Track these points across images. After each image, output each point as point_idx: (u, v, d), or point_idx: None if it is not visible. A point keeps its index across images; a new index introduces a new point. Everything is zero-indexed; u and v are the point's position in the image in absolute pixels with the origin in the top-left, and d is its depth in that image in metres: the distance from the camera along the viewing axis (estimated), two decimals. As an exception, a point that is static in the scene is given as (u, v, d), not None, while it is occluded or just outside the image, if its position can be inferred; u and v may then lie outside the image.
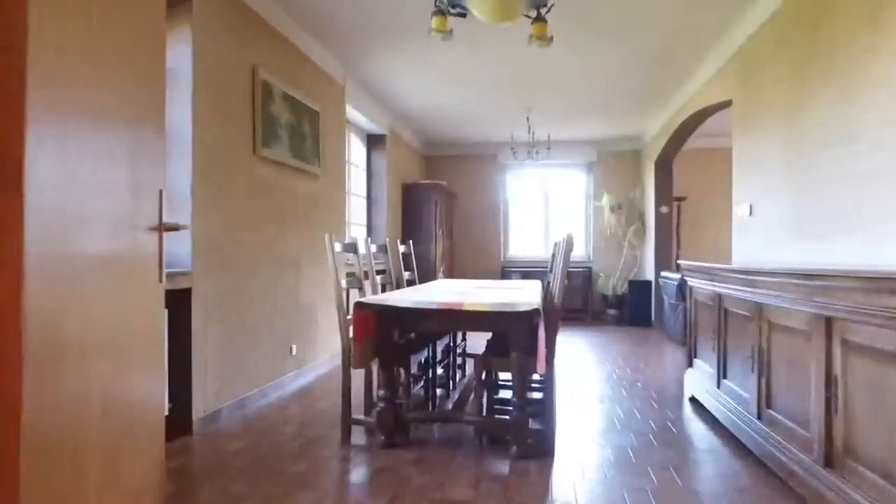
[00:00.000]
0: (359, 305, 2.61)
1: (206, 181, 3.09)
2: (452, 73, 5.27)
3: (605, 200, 7.77)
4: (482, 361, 2.77)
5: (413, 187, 7.24)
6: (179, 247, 2.94)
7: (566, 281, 2.97)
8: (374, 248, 3.64)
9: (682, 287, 5.74)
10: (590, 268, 8.22)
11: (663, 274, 6.43)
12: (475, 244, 8.54)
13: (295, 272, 4.14)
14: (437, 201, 7.29)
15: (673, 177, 7.13)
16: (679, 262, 3.74)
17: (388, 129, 6.59)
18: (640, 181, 7.85)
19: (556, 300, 3.00)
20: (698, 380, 3.48)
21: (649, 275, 7.33)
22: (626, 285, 7.63)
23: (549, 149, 6.51)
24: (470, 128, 7.38)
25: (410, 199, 7.22)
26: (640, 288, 7.25)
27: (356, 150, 6.25)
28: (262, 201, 3.70)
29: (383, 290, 3.81)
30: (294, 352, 4.13)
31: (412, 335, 3.29)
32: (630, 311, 7.30)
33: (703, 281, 3.40)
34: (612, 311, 7.73)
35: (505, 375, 3.73)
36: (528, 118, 6.43)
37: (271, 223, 3.82)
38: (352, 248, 3.54)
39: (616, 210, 7.78)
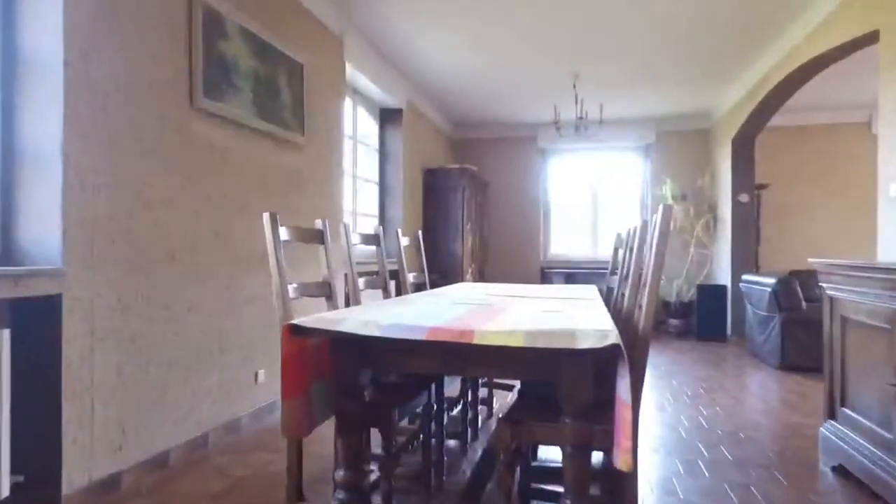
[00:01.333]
0: (292, 330, 1.51)
1: (94, 136, 2.07)
2: (484, 33, 4.15)
3: (668, 188, 6.48)
4: (508, 427, 1.63)
5: (437, 173, 6.14)
6: (38, 231, 1.93)
7: (656, 292, 1.80)
8: (356, 239, 2.55)
9: (777, 295, 4.44)
10: (647, 269, 6.93)
11: (746, 278, 5.12)
12: (510, 241, 7.38)
13: (264, 272, 3.10)
14: (466, 189, 6.18)
15: (755, 159, 5.80)
16: (813, 260, 2.52)
17: (406, 103, 5.52)
18: (711, 166, 6.52)
19: (640, 323, 1.81)
20: (851, 440, 2.25)
21: (723, 278, 6.00)
22: (692, 291, 6.32)
23: (601, 122, 5.29)
24: (505, 103, 6.24)
25: (433, 186, 6.13)
26: (712, 294, 5.94)
27: (365, 126, 5.20)
28: (208, 173, 2.67)
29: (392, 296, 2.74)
30: (261, 378, 3.09)
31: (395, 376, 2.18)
32: (699, 321, 5.99)
33: (859, 289, 2.17)
34: (674, 322, 6.44)
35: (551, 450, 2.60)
36: (574, 85, 5.24)
37: (224, 205, 2.79)
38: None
39: (680, 201, 6.47)
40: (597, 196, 7.32)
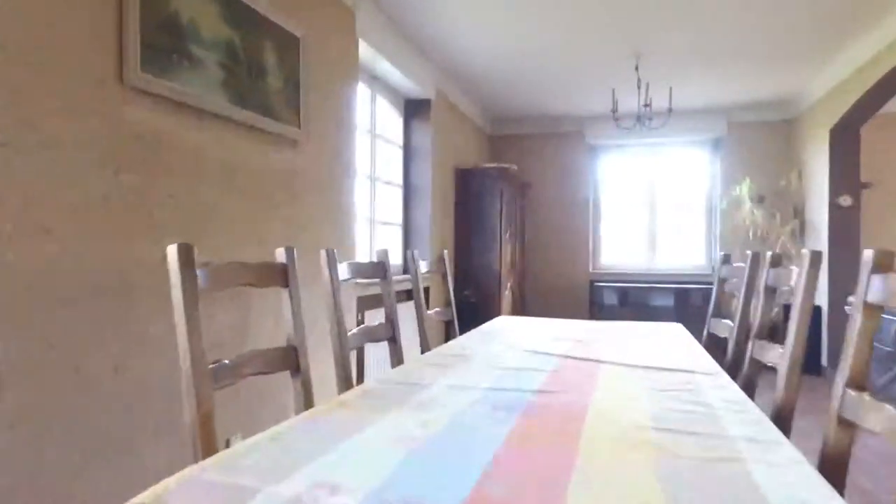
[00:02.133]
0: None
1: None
2: (526, 5, 3.34)
3: (745, 188, 5.48)
4: None
5: (471, 174, 5.33)
6: None
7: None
8: (345, 272, 1.77)
9: (910, 327, 3.44)
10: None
11: (853, 299, 4.10)
12: (554, 250, 6.50)
13: (243, 309, 2.36)
14: (504, 192, 5.35)
15: (859, 154, 4.76)
16: None
17: (435, 92, 4.73)
18: (797, 162, 5.48)
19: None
20: None
21: (817, 297, 4.97)
22: (776, 311, 5.30)
23: (670, 111, 4.37)
24: (550, 94, 5.38)
25: (467, 189, 5.33)
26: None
27: (387, 119, 4.44)
28: (149, 177, 1.94)
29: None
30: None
31: None
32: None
33: None
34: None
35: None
36: (637, 66, 4.34)
37: (176, 222, 2.06)
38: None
39: (757, 203, 5.46)
40: (655, 198, 6.36)
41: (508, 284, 5.58)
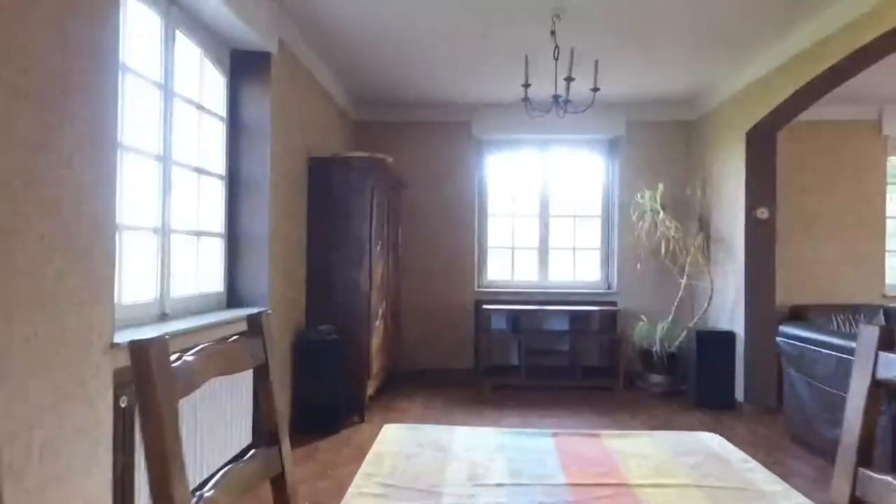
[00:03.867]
0: None
1: None
2: None
3: (650, 196, 4.81)
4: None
5: (331, 165, 3.97)
6: None
7: None
8: None
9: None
10: (614, 304, 5.23)
11: (791, 331, 3.50)
12: (434, 263, 5.36)
13: None
14: (376, 192, 4.07)
15: (776, 161, 4.26)
16: None
17: (278, 45, 3.31)
18: (702, 168, 4.93)
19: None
20: None
21: (729, 321, 4.41)
22: (682, 336, 4.68)
23: (596, 91, 3.41)
24: (432, 72, 4.22)
25: (326, 185, 3.95)
26: (714, 343, 4.33)
27: (198, 76, 2.93)
28: None
29: None
30: None
31: None
32: (697, 380, 4.35)
33: None
34: (657, 379, 4.77)
35: None
36: (552, 31, 3.33)
37: None
38: None
39: (658, 214, 4.81)
40: (548, 205, 5.52)
41: (380, 311, 4.31)
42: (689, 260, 4.52)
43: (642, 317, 4.90)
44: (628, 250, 5.21)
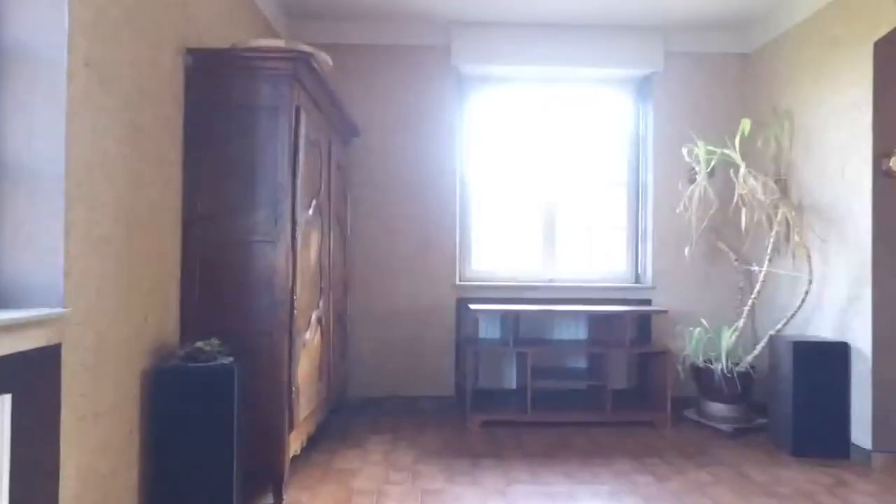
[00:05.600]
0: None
1: None
2: None
3: (703, 154, 3.37)
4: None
5: (225, 66, 2.31)
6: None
7: None
8: None
9: None
10: (647, 302, 3.79)
11: None
12: (400, 246, 3.77)
13: None
14: (306, 119, 2.44)
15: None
16: None
17: None
18: (776, 113, 3.52)
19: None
20: None
21: (831, 329, 3.00)
22: (758, 350, 3.25)
23: None
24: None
25: (217, 101, 2.30)
26: (815, 360, 2.91)
27: None
28: None
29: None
30: None
31: None
32: (795, 413, 2.92)
33: None
34: (720, 409, 3.33)
35: None
36: None
37: None
38: None
39: (738, 169, 3.35)
40: (556, 168, 4.01)
41: (314, 315, 2.69)
42: (771, 240, 3.09)
43: (703, 320, 3.44)
44: (668, 229, 3.77)
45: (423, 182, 3.77)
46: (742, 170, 3.04)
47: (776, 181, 3.30)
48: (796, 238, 2.93)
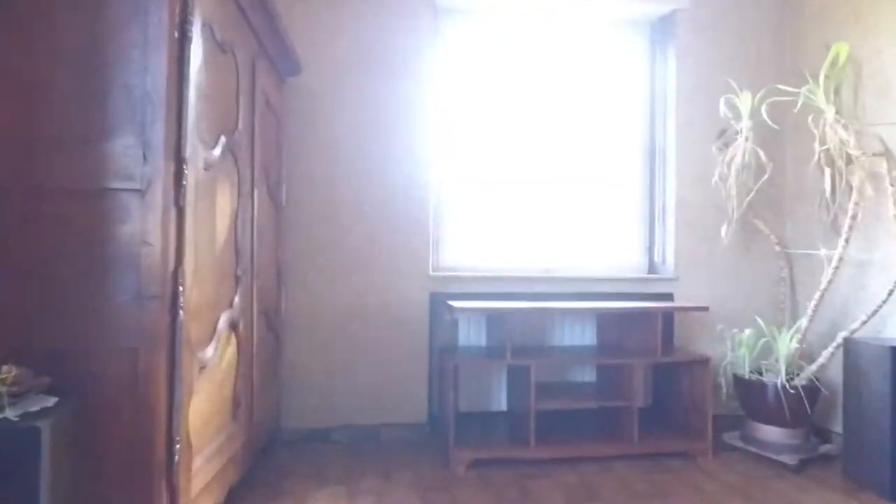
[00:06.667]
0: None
1: None
2: None
3: (746, 106, 2.62)
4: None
5: None
6: None
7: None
8: None
9: None
10: (668, 296, 3.01)
11: None
12: (356, 227, 2.82)
13: None
14: (204, 24, 1.49)
15: None
16: None
17: None
18: (848, 62, 2.79)
19: None
20: None
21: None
22: (830, 352, 2.51)
23: None
24: None
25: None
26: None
27: None
28: None
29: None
30: None
31: None
32: (893, 442, 2.19)
33: None
34: (772, 431, 2.57)
35: None
36: None
37: None
38: None
39: (826, 115, 2.60)
40: (553, 131, 3.16)
41: (223, 317, 1.72)
42: (850, 213, 2.34)
43: (758, 319, 2.67)
44: (694, 204, 3.01)
45: (387, 141, 2.84)
46: (830, 115, 2.28)
47: (846, 145, 2.56)
48: (893, 210, 2.20)
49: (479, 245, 3.07)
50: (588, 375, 3.00)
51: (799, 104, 2.36)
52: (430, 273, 2.88)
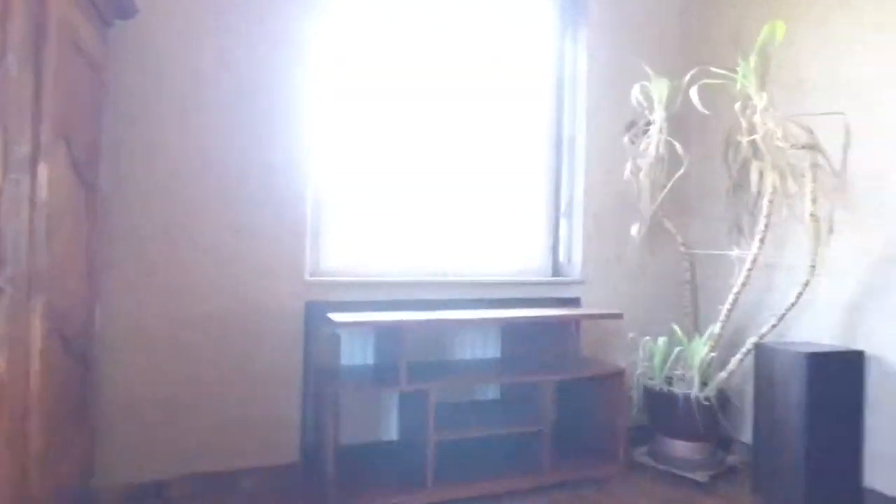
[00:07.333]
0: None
1: None
2: None
3: (661, 94, 2.41)
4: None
5: None
6: None
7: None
8: None
9: None
10: (574, 302, 2.75)
11: None
12: (204, 217, 2.18)
13: None
14: None
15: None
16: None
17: None
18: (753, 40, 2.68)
19: None
20: None
21: (838, 334, 2.23)
22: (738, 362, 2.37)
23: None
24: None
25: None
26: (828, 376, 2.09)
27: None
28: None
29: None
30: None
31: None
32: (808, 450, 2.07)
33: None
34: (683, 447, 2.40)
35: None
36: None
37: None
38: None
39: (748, 104, 2.43)
40: (446, 117, 2.74)
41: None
42: (765, 212, 2.19)
43: (675, 327, 2.47)
44: (604, 201, 2.77)
45: (251, 117, 2.23)
46: (761, 102, 2.09)
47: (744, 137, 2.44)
48: (810, 208, 2.07)
49: (368, 246, 2.57)
50: (493, 392, 2.64)
51: (738, 86, 2.16)
52: (307, 278, 2.33)
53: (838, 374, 2.11)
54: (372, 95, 2.57)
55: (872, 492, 2.11)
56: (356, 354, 2.41)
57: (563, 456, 2.37)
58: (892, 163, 2.08)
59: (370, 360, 2.42)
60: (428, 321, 2.17)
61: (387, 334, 2.27)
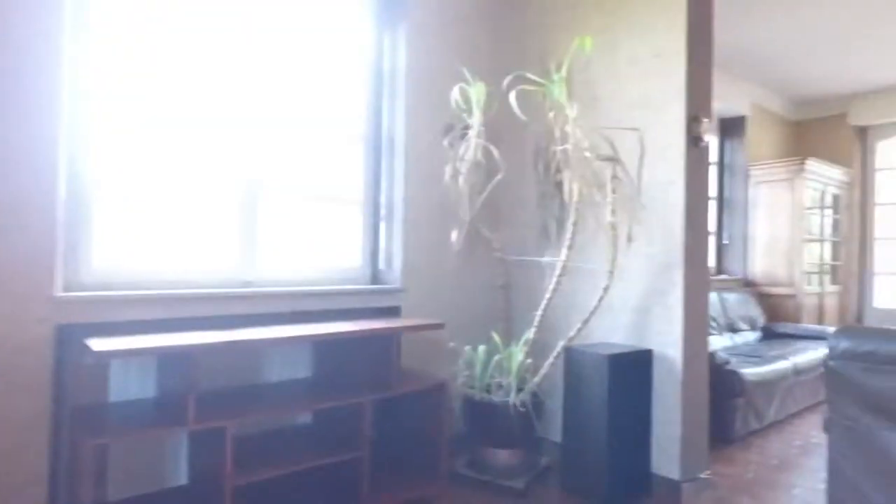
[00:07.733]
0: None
1: None
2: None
3: (479, 96, 2.40)
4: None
5: None
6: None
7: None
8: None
9: None
10: (395, 311, 2.61)
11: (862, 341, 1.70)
12: None
13: None
14: None
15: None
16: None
17: None
18: (557, 53, 2.79)
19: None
20: None
21: (617, 335, 2.42)
22: (549, 366, 2.44)
23: None
24: None
25: None
26: (626, 374, 2.25)
27: None
28: None
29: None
30: None
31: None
32: (610, 443, 2.19)
33: None
34: (502, 455, 2.40)
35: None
36: None
37: None
38: None
39: (560, 110, 2.47)
40: (253, 101, 2.41)
41: None
42: (572, 220, 2.29)
43: (494, 335, 2.43)
44: (424, 206, 2.68)
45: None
46: (573, 113, 2.14)
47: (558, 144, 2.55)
48: (610, 217, 2.20)
49: (150, 253, 2.11)
50: (305, 417, 2.36)
51: (555, 94, 2.19)
52: (58, 294, 1.81)
53: (633, 372, 2.28)
54: (158, 74, 2.12)
55: (657, 476, 2.32)
56: (131, 388, 1.95)
57: (385, 479, 2.20)
58: (665, 176, 2.31)
59: (150, 394, 1.98)
60: (225, 342, 1.83)
61: (171, 362, 1.87)
